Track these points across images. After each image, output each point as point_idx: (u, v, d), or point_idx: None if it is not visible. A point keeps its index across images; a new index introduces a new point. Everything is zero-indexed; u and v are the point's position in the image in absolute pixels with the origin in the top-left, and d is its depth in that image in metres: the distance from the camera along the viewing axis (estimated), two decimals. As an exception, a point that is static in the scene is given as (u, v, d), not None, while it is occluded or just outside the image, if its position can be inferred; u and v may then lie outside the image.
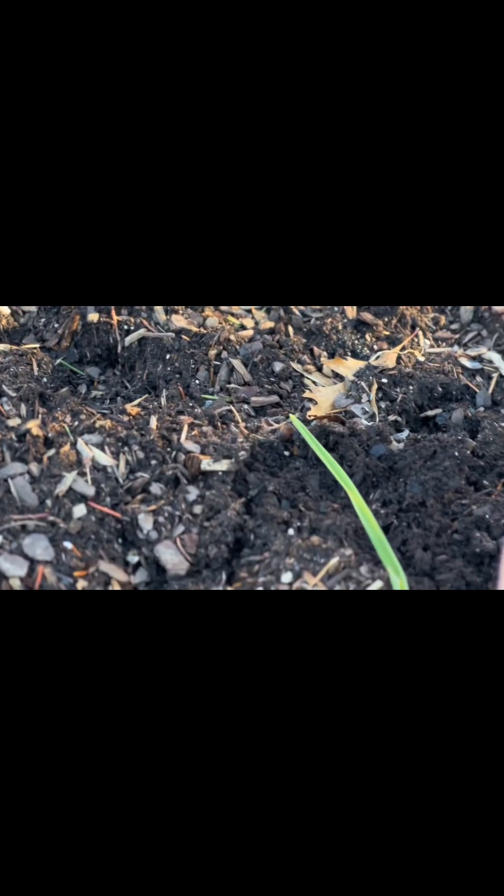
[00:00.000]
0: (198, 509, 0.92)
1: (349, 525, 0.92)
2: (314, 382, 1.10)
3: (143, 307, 1.13)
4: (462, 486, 0.98)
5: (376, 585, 0.84)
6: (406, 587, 0.78)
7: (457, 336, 1.20)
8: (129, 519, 0.92)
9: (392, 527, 0.96)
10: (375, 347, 1.15)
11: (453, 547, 0.95)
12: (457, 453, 1.00)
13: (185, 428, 0.99)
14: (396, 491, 0.98)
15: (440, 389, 1.11)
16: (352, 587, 0.84)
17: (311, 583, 0.84)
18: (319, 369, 1.11)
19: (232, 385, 1.09)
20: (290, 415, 0.96)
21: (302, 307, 1.18)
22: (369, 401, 1.08)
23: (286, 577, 0.85)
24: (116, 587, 0.87)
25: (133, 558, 0.90)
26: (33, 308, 1.17)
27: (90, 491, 0.92)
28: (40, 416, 0.99)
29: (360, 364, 1.11)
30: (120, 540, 0.92)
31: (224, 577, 0.89)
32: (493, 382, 1.11)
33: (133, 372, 1.12)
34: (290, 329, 1.15)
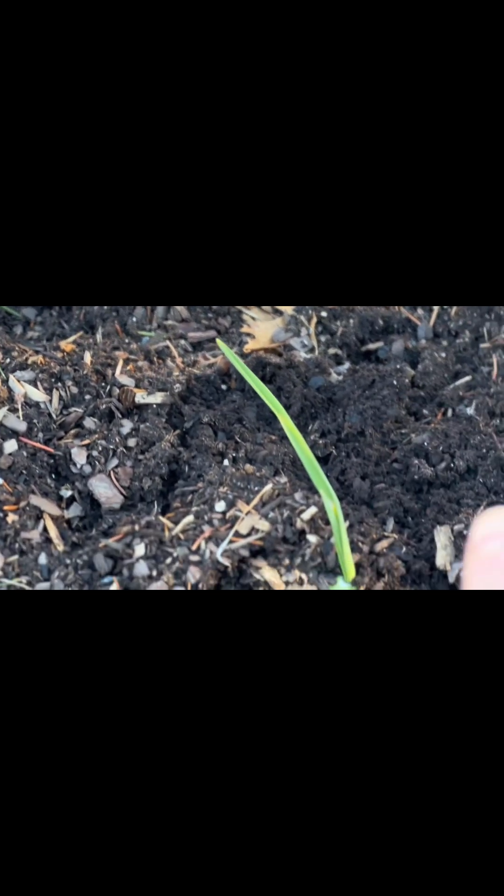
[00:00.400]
0: (132, 442, 0.91)
1: (286, 455, 0.91)
2: (252, 318, 1.08)
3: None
4: (401, 415, 0.97)
5: (310, 512, 0.83)
6: (339, 512, 0.77)
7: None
8: (62, 454, 0.90)
9: (331, 457, 0.95)
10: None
11: (392, 475, 0.94)
12: (395, 382, 0.99)
13: (120, 363, 0.98)
14: (335, 421, 0.97)
15: (381, 323, 1.10)
16: (286, 514, 0.83)
17: (245, 510, 0.83)
18: (258, 305, 1.10)
19: (169, 322, 1.07)
20: (219, 341, 0.94)
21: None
22: (308, 334, 1.07)
23: (220, 506, 0.84)
24: (49, 522, 0.85)
25: (66, 493, 0.89)
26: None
27: (21, 426, 0.90)
28: (-28, 354, 0.97)
29: (300, 299, 1.10)
30: (53, 475, 0.90)
31: (158, 509, 0.88)
32: (433, 315, 1.10)
33: (70, 312, 1.09)
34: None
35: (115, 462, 0.89)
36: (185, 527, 0.82)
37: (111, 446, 0.90)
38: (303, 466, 0.91)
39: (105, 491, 0.88)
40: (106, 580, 0.80)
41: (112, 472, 0.89)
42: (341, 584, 0.82)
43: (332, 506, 0.78)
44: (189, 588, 0.79)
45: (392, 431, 0.96)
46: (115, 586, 0.79)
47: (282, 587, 0.81)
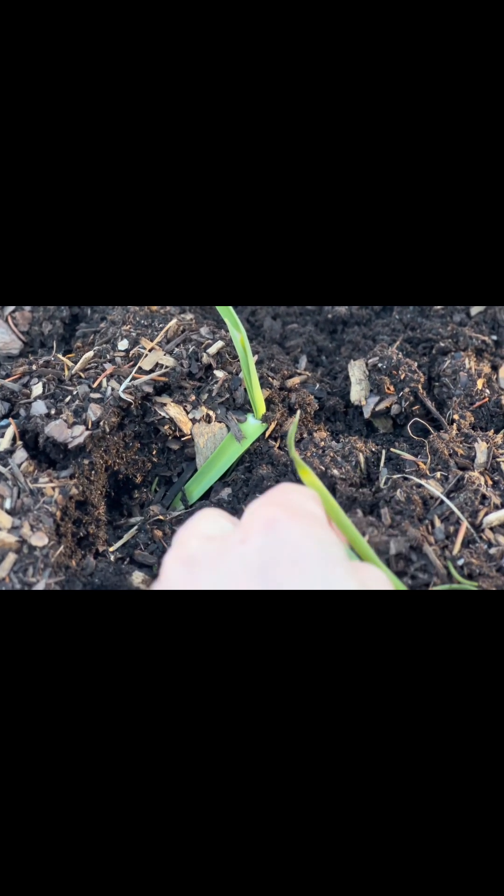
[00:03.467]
0: (31, 287, 0.86)
1: (194, 297, 0.87)
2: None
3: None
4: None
5: (217, 346, 0.80)
6: (247, 343, 0.74)
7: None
8: (-43, 300, 0.85)
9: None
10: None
11: (305, 316, 0.90)
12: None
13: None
14: (246, 265, 0.93)
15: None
16: (191, 349, 0.79)
17: (149, 346, 0.79)
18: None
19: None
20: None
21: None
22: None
23: (122, 345, 0.80)
24: None
25: (-38, 340, 0.84)
26: None
27: None
28: None
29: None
30: None
31: (61, 352, 0.83)
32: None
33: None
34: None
35: (12, 307, 0.85)
36: (86, 364, 0.78)
37: (9, 292, 0.86)
38: (209, 308, 0.88)
39: (2, 336, 0.83)
40: (3, 423, 0.76)
41: (10, 317, 0.84)
42: (251, 421, 0.78)
43: (240, 337, 0.75)
44: (90, 425, 0.75)
45: (305, 273, 0.92)
46: (11, 428, 0.75)
47: (188, 424, 0.78)
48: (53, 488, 0.72)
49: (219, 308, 0.76)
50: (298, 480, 0.76)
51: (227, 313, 0.75)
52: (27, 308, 0.84)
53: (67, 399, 0.76)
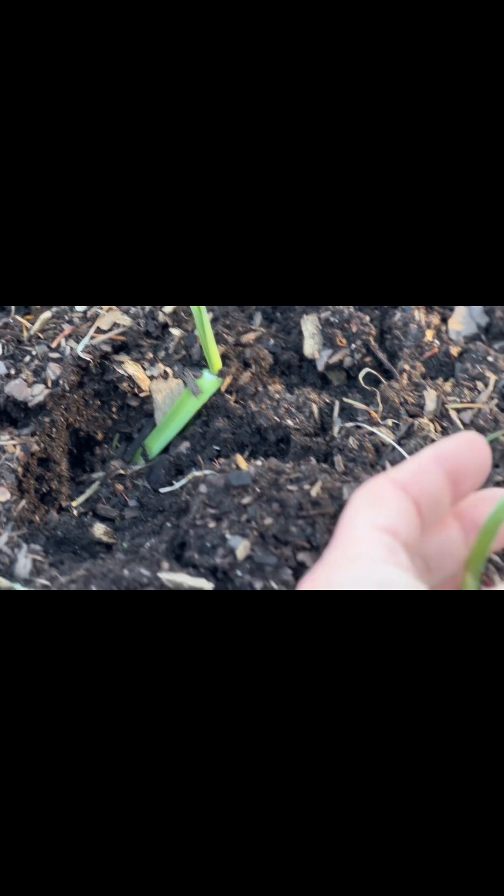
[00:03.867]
0: None
1: (150, 259, 0.89)
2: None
3: None
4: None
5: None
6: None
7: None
8: None
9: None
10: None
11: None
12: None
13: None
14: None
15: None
16: (147, 308, 0.81)
17: (105, 307, 0.81)
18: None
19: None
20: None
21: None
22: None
23: (80, 306, 0.81)
24: None
25: None
26: None
27: None
28: None
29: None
30: None
31: (20, 315, 0.85)
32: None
33: None
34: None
35: (-28, 273, 0.86)
36: (44, 325, 0.80)
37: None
38: (168, 270, 0.89)
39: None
40: (-36, 384, 0.78)
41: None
42: (207, 377, 0.80)
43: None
44: (49, 384, 0.77)
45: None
46: (-27, 389, 0.77)
47: (146, 381, 0.80)
48: (15, 445, 0.74)
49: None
50: (255, 434, 0.78)
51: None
52: (-14, 273, 0.86)
53: (27, 359, 0.78)
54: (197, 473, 0.72)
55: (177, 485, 0.75)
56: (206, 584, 0.64)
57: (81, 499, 0.78)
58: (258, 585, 0.64)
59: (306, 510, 0.67)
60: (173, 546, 0.68)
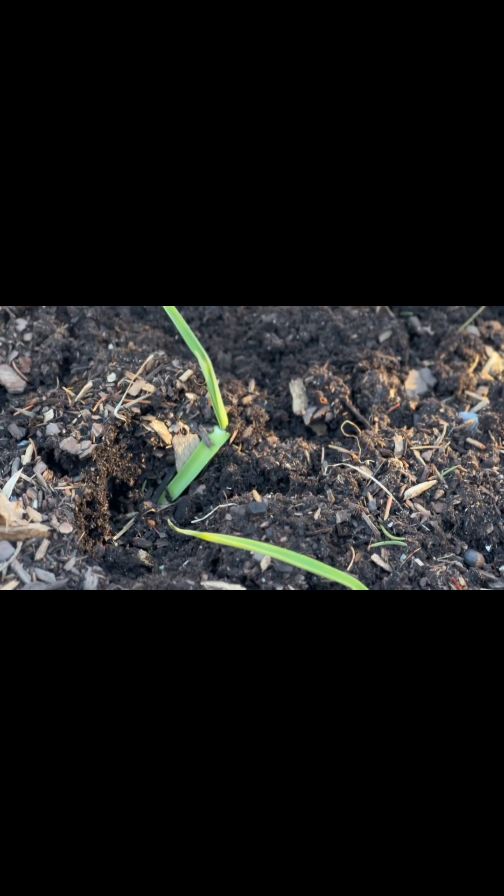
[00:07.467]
0: (28, 337, 1.06)
1: (159, 338, 1.08)
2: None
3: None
4: (252, 301, 1.15)
5: (187, 374, 1.01)
6: (212, 370, 0.95)
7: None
8: (-32, 351, 1.05)
9: (197, 339, 1.12)
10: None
11: (249, 349, 1.12)
12: (245, 275, 1.16)
13: (7, 275, 1.12)
14: (196, 310, 1.14)
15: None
16: (167, 377, 1.00)
17: (132, 378, 1.00)
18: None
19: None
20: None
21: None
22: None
23: (111, 378, 1.00)
24: (-35, 405, 1.00)
25: (-24, 382, 1.03)
26: None
27: None
28: None
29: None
30: (-38, 369, 1.04)
31: (58, 386, 1.03)
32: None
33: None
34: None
35: (15, 354, 1.05)
36: (85, 394, 0.98)
37: (10, 342, 1.05)
38: (173, 346, 1.08)
39: (10, 377, 1.03)
40: (23, 443, 0.96)
41: (13, 363, 1.04)
42: (217, 432, 0.99)
43: (206, 365, 0.96)
44: (94, 440, 0.95)
45: (244, 315, 1.14)
46: (31, 447, 0.95)
47: (169, 436, 0.98)
48: (71, 490, 0.92)
49: (187, 340, 0.97)
50: (259, 476, 0.97)
51: (194, 346, 0.96)
52: (27, 355, 1.04)
53: (74, 420, 0.96)
54: (222, 506, 0.91)
55: (204, 517, 0.94)
56: (239, 589, 0.83)
57: (121, 533, 0.96)
58: (279, 588, 0.83)
59: (311, 530, 0.86)
60: (208, 563, 0.87)
